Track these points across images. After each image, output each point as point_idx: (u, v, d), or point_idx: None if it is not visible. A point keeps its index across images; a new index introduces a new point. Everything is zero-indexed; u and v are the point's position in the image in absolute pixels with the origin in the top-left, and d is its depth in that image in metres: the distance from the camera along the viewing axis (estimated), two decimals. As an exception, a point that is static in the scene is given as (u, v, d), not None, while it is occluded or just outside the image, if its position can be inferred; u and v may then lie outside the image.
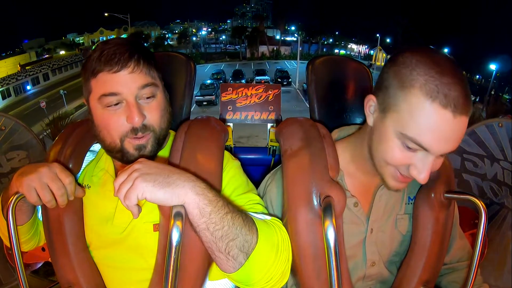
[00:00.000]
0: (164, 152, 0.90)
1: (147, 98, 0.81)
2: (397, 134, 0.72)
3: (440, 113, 0.66)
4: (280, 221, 0.85)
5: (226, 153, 0.92)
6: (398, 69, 0.72)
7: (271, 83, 24.38)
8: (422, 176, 0.73)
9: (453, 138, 0.69)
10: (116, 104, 0.79)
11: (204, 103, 19.29)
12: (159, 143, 0.86)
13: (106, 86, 0.77)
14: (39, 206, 0.93)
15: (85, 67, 0.80)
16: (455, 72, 0.68)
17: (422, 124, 0.68)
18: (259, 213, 0.84)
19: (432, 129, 0.68)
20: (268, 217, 0.83)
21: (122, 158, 0.83)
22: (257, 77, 25.37)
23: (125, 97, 0.78)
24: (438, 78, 0.66)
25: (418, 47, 0.73)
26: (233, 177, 0.89)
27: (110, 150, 0.84)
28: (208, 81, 22.58)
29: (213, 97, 19.37)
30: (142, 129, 0.81)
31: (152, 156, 0.86)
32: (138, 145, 0.82)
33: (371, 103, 0.79)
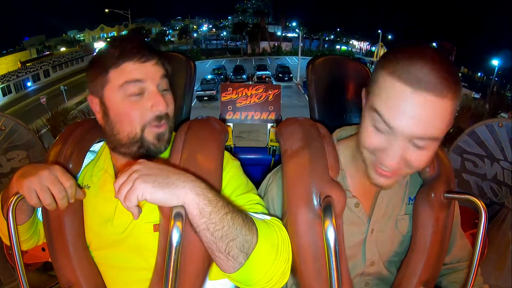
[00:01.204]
0: (164, 153, 0.89)
1: (164, 90, 0.86)
2: (370, 113, 0.72)
3: (407, 91, 0.65)
4: (280, 221, 0.85)
5: (226, 153, 0.92)
6: (380, 60, 0.73)
7: (272, 78, 24.37)
8: (388, 161, 0.71)
9: (422, 120, 0.65)
10: (138, 95, 0.81)
11: (205, 98, 19.31)
12: (171, 132, 0.89)
13: (131, 74, 0.80)
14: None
15: (100, 62, 0.83)
16: (432, 56, 0.66)
17: (390, 102, 0.67)
18: (259, 213, 0.84)
19: (399, 107, 0.66)
20: (268, 217, 0.83)
21: (138, 150, 0.84)
22: (258, 72, 25.37)
23: (148, 85, 0.82)
24: (408, 60, 0.66)
25: (410, 42, 0.72)
26: (233, 177, 0.89)
27: (126, 143, 0.84)
28: (209, 76, 22.56)
29: (213, 92, 19.39)
30: (165, 117, 0.84)
31: (154, 156, 0.86)
32: (158, 133, 0.84)
33: (363, 94, 0.79)
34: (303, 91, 21.99)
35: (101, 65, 0.82)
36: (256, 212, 0.84)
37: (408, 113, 0.65)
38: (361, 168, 0.89)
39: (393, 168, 0.72)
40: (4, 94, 26.14)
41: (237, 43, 51.31)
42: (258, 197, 0.89)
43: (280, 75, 26.02)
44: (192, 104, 1.24)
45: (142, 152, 0.84)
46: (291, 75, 26.29)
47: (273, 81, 24.63)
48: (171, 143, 0.90)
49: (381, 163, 0.73)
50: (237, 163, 0.94)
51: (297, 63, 27.53)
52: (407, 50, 0.68)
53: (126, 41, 0.84)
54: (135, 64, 0.81)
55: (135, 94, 0.81)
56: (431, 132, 0.67)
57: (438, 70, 0.64)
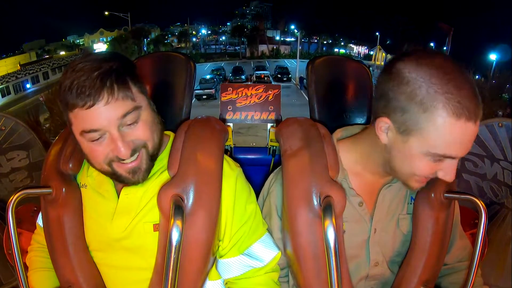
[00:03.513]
0: (164, 154, 0.89)
1: (131, 124, 0.76)
2: (426, 153, 0.73)
3: (466, 126, 0.69)
4: (274, 269, 0.92)
5: (225, 164, 0.89)
6: (410, 90, 0.71)
7: (271, 78, 24.51)
8: (449, 177, 0.76)
9: (472, 140, 0.72)
10: (99, 139, 0.75)
11: (204, 96, 19.25)
12: (153, 158, 0.83)
13: (84, 123, 0.72)
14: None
15: (59, 97, 0.74)
16: (465, 76, 0.70)
17: (451, 140, 0.70)
18: (252, 251, 0.89)
19: (460, 141, 0.71)
20: (265, 261, 0.89)
21: (118, 180, 0.82)
22: (257, 72, 25.47)
23: (107, 129, 0.74)
24: (457, 93, 0.68)
25: (413, 55, 0.74)
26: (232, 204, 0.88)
27: (104, 173, 0.82)
28: (208, 76, 22.65)
29: (212, 91, 19.39)
30: (141, 148, 0.79)
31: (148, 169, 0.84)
32: (131, 169, 0.79)
33: (383, 124, 0.78)
34: (299, 87, 22.40)
35: (61, 101, 0.74)
36: (252, 245, 0.89)
37: (471, 140, 0.72)
38: (370, 169, 0.89)
39: (450, 179, 0.77)
40: (3, 95, 26.04)
41: (236, 47, 51.34)
42: (254, 214, 0.91)
43: (279, 75, 26.13)
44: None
45: (124, 182, 0.81)
46: (289, 76, 26.43)
47: (272, 82, 24.76)
48: (170, 144, 0.90)
49: (440, 178, 0.78)
50: (237, 172, 0.91)
51: (296, 66, 27.69)
52: (447, 80, 0.69)
53: (75, 71, 0.71)
54: (84, 111, 0.71)
55: (95, 139, 0.74)
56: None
57: (477, 91, 0.70)
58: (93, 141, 0.75)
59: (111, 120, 0.73)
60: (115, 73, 0.73)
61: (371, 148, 0.85)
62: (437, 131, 0.70)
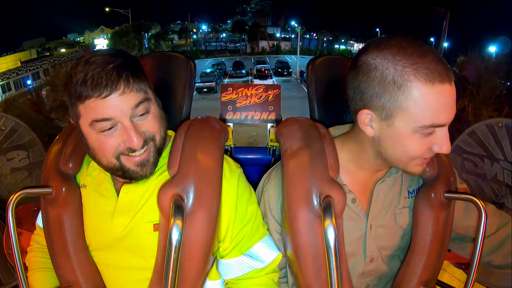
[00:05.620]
0: (164, 153, 0.89)
1: (141, 115, 0.78)
2: (414, 129, 0.73)
3: (443, 88, 0.70)
4: (274, 267, 0.92)
5: (225, 165, 0.89)
6: (379, 73, 0.73)
7: (271, 71, 24.78)
8: (445, 147, 0.75)
9: (454, 102, 0.72)
10: (111, 128, 0.75)
11: (204, 89, 19.20)
12: (159, 152, 0.84)
13: (96, 112, 0.73)
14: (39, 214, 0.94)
15: (68, 90, 0.75)
16: (425, 47, 0.72)
17: (433, 107, 0.71)
18: (252, 253, 0.89)
19: (442, 106, 0.71)
20: (266, 262, 0.89)
21: (124, 176, 0.82)
22: (257, 66, 25.70)
23: (119, 120, 0.75)
24: (423, 61, 0.70)
25: (372, 45, 0.76)
26: (234, 206, 0.88)
27: (109, 170, 0.82)
28: (208, 70, 22.62)
29: (213, 84, 19.33)
30: (149, 140, 0.79)
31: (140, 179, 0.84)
32: (139, 161, 0.80)
33: (365, 116, 0.78)
34: (300, 81, 22.78)
35: (70, 93, 0.74)
36: (253, 246, 0.89)
37: (453, 102, 0.72)
38: (362, 167, 0.89)
39: (447, 150, 0.76)
40: (3, 91, 25.93)
41: (237, 44, 51.24)
42: (255, 215, 0.91)
43: (279, 70, 26.31)
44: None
45: (131, 176, 0.81)
46: (290, 70, 26.60)
47: (272, 75, 24.88)
48: (171, 143, 0.90)
49: (433, 154, 0.78)
50: (238, 173, 0.92)
51: (296, 62, 27.82)
52: (410, 52, 0.71)
53: (88, 64, 0.72)
54: (98, 100, 0.72)
55: (107, 129, 0.75)
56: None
57: (441, 58, 0.71)
58: (103, 131, 0.75)
59: (123, 111, 0.74)
60: (130, 66, 0.76)
61: (360, 146, 0.86)
62: (417, 103, 0.71)
